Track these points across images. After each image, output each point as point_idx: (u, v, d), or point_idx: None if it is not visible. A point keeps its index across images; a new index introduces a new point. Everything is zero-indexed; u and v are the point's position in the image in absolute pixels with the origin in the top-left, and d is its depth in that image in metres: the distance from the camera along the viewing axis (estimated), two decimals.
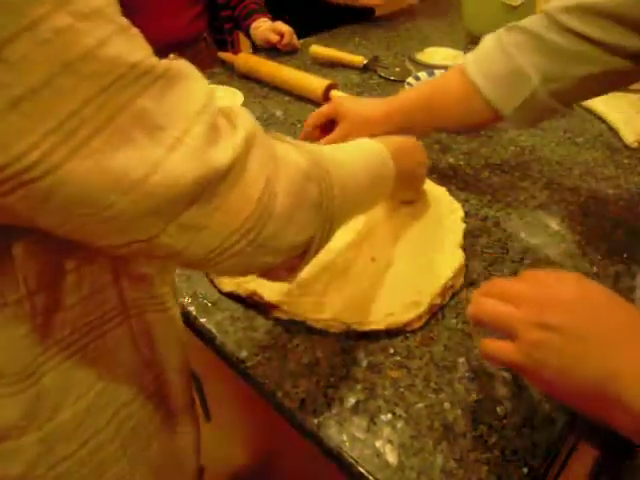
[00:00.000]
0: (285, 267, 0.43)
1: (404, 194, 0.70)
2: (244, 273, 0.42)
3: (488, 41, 0.69)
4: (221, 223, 0.34)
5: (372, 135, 0.60)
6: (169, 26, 1.24)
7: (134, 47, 0.30)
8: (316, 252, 0.44)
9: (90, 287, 0.39)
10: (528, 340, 0.38)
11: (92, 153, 0.28)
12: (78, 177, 0.28)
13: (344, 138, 0.74)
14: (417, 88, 0.80)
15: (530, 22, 0.65)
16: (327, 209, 0.41)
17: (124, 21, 0.30)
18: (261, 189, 0.35)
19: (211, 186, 0.32)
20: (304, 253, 0.42)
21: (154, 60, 0.31)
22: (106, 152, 0.28)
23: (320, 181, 0.41)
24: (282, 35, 1.28)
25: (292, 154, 0.40)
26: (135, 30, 0.31)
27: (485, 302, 0.42)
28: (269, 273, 0.43)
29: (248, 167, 0.34)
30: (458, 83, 0.70)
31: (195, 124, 0.31)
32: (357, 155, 0.51)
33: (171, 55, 1.23)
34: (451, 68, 0.73)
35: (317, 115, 0.79)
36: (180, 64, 0.33)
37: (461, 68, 0.70)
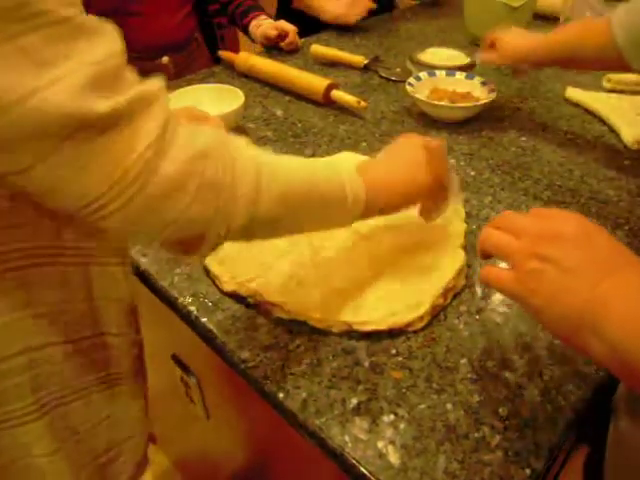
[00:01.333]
0: (185, 246, 0.43)
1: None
2: (137, 238, 0.43)
3: None
4: (101, 170, 0.35)
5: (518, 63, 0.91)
6: (161, 29, 1.21)
7: None
8: (215, 241, 0.43)
9: (23, 218, 0.41)
10: (523, 268, 0.40)
11: None
12: None
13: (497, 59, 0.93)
14: (563, 30, 0.86)
15: None
16: (227, 198, 0.40)
17: None
18: (146, 144, 0.35)
19: (87, 128, 0.33)
20: (202, 238, 0.42)
21: (55, 6, 0.33)
22: None
23: (220, 167, 0.40)
24: (286, 34, 1.27)
25: (196, 134, 0.40)
26: None
27: (491, 233, 0.44)
28: (170, 246, 0.45)
29: (137, 124, 0.36)
30: (601, 29, 0.77)
31: (85, 69, 0.33)
32: (304, 168, 0.50)
33: (164, 58, 1.22)
34: (602, 17, 0.79)
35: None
36: (89, 18, 0.35)
37: (609, 18, 0.76)
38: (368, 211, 0.53)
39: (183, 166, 0.37)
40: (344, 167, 0.52)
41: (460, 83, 1.02)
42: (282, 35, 1.28)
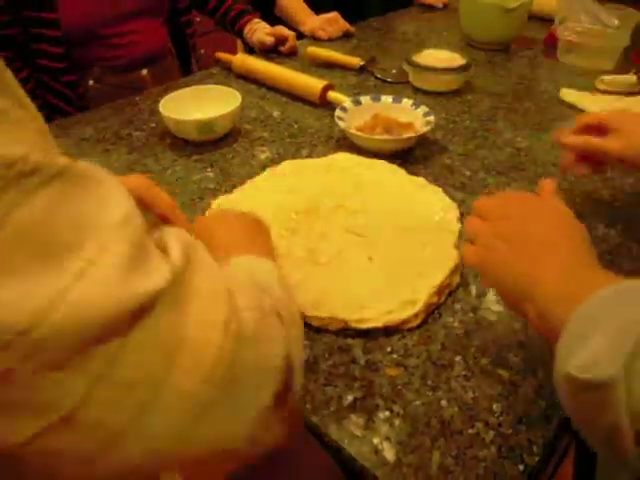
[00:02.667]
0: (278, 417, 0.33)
1: None
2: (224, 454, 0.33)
3: None
4: (183, 370, 0.26)
5: None
6: (138, 44, 1.18)
7: (7, 139, 0.22)
8: (300, 376, 0.36)
9: None
10: (482, 244, 0.48)
11: None
12: None
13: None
14: None
15: None
16: (287, 318, 0.35)
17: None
18: (225, 312, 0.28)
19: (141, 318, 0.24)
20: (288, 385, 0.33)
21: (41, 156, 0.23)
22: None
23: (267, 289, 0.36)
24: (285, 39, 1.28)
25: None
26: (19, 115, 0.24)
27: (469, 219, 0.52)
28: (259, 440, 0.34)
29: (194, 288, 0.27)
30: None
31: (114, 240, 0.24)
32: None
33: (144, 70, 1.21)
34: None
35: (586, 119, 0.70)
36: (87, 165, 0.26)
37: None
38: None
39: (256, 312, 0.31)
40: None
41: (404, 112, 0.94)
42: (281, 40, 1.28)
